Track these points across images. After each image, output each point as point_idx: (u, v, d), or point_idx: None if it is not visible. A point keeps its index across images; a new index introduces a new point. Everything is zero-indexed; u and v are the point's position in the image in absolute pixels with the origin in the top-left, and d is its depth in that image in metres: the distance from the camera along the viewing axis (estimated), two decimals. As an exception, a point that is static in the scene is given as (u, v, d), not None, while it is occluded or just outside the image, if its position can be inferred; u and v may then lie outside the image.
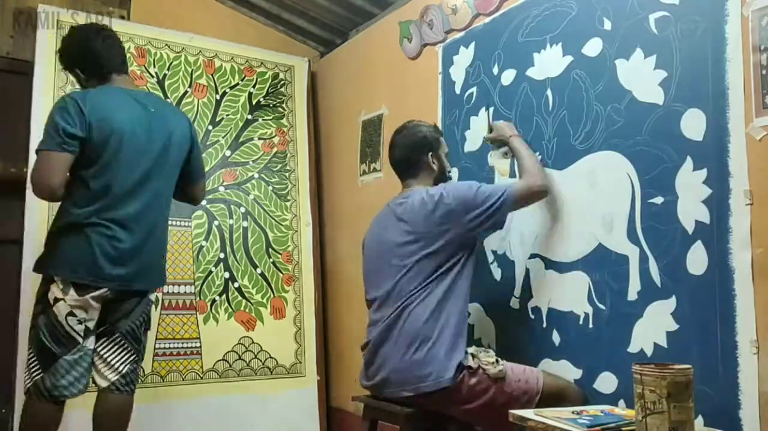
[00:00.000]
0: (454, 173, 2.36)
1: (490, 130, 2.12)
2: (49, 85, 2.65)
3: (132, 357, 2.02)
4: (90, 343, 1.96)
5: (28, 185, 2.49)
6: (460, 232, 1.84)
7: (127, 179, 1.96)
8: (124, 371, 2.00)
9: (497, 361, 1.79)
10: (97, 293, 1.91)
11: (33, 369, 1.90)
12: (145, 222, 2.00)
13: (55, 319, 1.88)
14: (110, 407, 1.99)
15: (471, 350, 1.83)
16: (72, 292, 1.88)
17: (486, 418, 1.80)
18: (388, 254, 1.92)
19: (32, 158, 2.52)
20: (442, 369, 1.74)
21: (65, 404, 1.94)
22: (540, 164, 1.96)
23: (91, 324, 1.94)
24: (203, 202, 2.86)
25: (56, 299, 1.89)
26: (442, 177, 2.07)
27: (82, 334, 1.91)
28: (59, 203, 1.98)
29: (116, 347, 2.00)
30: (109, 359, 1.99)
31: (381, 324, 1.87)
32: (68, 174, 1.92)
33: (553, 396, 1.76)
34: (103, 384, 2.00)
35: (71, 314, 1.89)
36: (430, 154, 2.03)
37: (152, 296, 2.12)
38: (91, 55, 2.06)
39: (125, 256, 1.94)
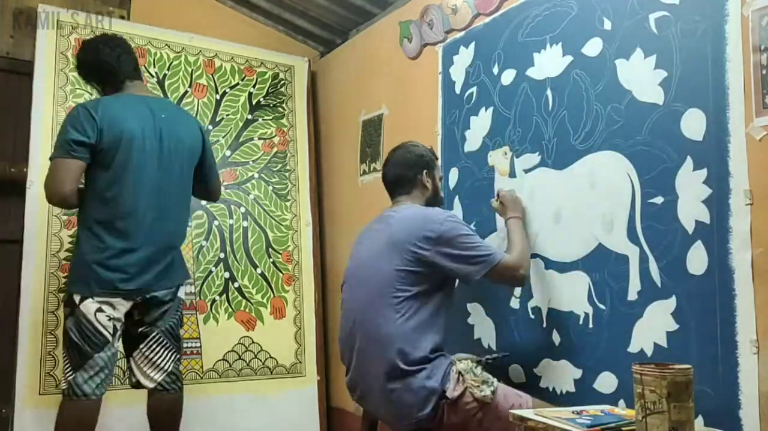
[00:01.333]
0: (454, 173, 2.36)
1: (497, 197, 2.07)
2: (49, 85, 2.65)
3: (175, 355, 2.08)
4: (118, 344, 2.01)
5: (28, 185, 2.51)
6: (438, 267, 1.79)
7: (138, 184, 2.00)
8: (169, 369, 2.06)
9: (487, 382, 1.73)
10: (123, 299, 1.97)
11: (66, 370, 1.95)
12: (160, 227, 2.03)
13: (84, 317, 1.93)
14: (165, 406, 2.05)
15: (461, 366, 1.76)
16: (98, 296, 1.94)
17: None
18: (369, 269, 1.87)
19: (32, 158, 2.55)
20: (420, 403, 1.70)
21: (100, 404, 1.97)
22: (529, 254, 1.92)
23: (118, 324, 1.98)
24: (202, 201, 2.87)
25: (83, 298, 1.94)
26: (435, 198, 2.04)
27: (111, 331, 1.95)
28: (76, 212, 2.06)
29: (159, 346, 2.04)
30: (153, 358, 2.04)
31: (356, 342, 1.85)
32: (82, 183, 1.98)
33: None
34: (150, 385, 2.04)
35: (100, 310, 1.94)
36: (425, 172, 2.01)
37: (182, 294, 2.15)
38: (104, 68, 2.11)
39: (140, 267, 1.98)
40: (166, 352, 2.06)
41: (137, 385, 2.08)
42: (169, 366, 2.06)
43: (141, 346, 2.04)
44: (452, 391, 1.70)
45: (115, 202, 1.97)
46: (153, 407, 2.06)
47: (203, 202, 2.87)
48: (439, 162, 2.14)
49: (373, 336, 1.78)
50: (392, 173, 2.04)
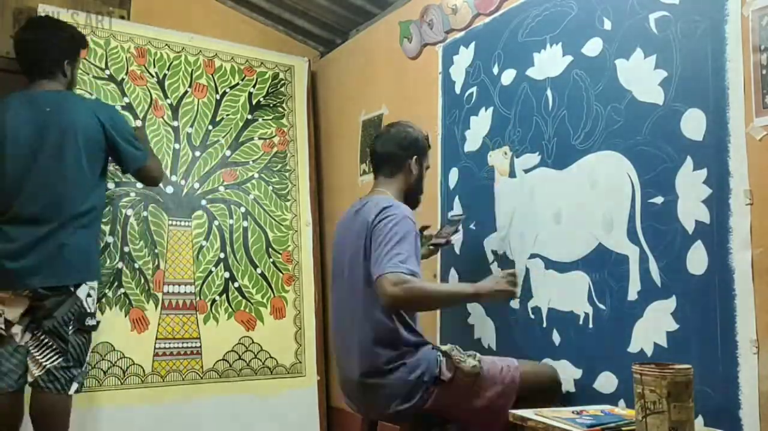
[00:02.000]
0: (454, 173, 2.36)
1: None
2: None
3: (57, 357, 2.00)
4: (18, 337, 2.00)
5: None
6: None
7: (16, 178, 2.01)
8: (47, 367, 1.99)
9: (471, 356, 1.77)
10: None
11: None
12: (43, 217, 2.00)
13: None
14: (36, 405, 2.01)
15: (445, 348, 1.78)
16: None
17: (478, 416, 1.79)
18: (343, 266, 1.88)
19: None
20: (403, 395, 1.72)
21: (20, 399, 1.99)
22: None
23: (11, 317, 1.98)
24: (203, 201, 2.87)
25: None
26: (416, 186, 1.99)
27: (2, 326, 1.97)
28: None
29: (40, 345, 2.01)
30: (35, 355, 2.01)
31: (340, 340, 1.87)
32: None
33: (531, 383, 1.78)
34: (29, 379, 2.02)
35: None
36: (415, 158, 1.97)
37: (81, 294, 2.05)
38: (20, 54, 2.13)
39: (16, 253, 1.97)
40: (47, 351, 2.00)
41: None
42: (49, 364, 1.99)
43: (28, 343, 2.02)
44: (446, 373, 1.73)
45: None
46: (31, 405, 2.01)
47: (203, 201, 2.87)
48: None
49: (352, 334, 1.81)
50: (383, 149, 1.98)
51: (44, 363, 1.99)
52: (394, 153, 1.96)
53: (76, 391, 2.05)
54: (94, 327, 2.12)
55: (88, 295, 2.08)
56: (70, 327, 2.02)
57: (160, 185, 2.61)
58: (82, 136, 2.09)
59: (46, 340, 2.00)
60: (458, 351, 1.79)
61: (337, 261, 1.96)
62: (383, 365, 1.74)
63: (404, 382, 1.72)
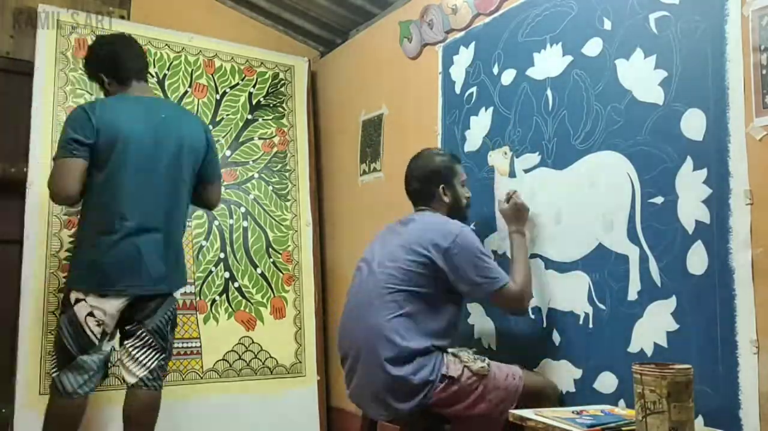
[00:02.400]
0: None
1: (508, 199, 2.02)
2: (49, 85, 2.65)
3: (159, 355, 2.07)
4: (107, 346, 2.04)
5: (28, 185, 2.51)
6: (440, 275, 1.82)
7: (135, 185, 2.01)
8: (151, 367, 2.05)
9: (480, 358, 1.80)
10: (116, 299, 1.98)
11: (53, 367, 2.00)
12: (157, 227, 2.03)
13: (75, 318, 1.96)
14: (139, 403, 2.04)
15: (453, 350, 1.83)
16: (92, 294, 1.96)
17: (478, 418, 1.79)
18: (375, 265, 1.90)
19: (32, 158, 2.55)
20: (403, 396, 1.74)
21: (87, 401, 2.00)
22: (531, 280, 1.90)
23: (108, 328, 2.01)
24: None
25: (77, 300, 1.97)
26: (456, 208, 2.03)
27: (98, 336, 1.98)
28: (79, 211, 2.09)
29: (143, 345, 2.04)
30: (137, 356, 2.04)
31: (352, 334, 1.89)
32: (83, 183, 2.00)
33: (532, 394, 1.79)
34: (132, 380, 2.04)
35: (91, 314, 1.97)
36: (441, 186, 2.00)
37: (177, 295, 2.16)
38: (116, 60, 2.13)
39: (136, 264, 1.99)
40: (150, 350, 2.05)
41: (123, 380, 2.09)
42: (152, 363, 2.05)
43: (126, 344, 2.05)
44: (454, 370, 1.76)
45: (111, 202, 1.99)
46: (129, 403, 2.04)
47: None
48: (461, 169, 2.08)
49: (363, 329, 1.82)
50: (411, 188, 2.05)
51: (147, 363, 2.04)
52: (420, 189, 2.03)
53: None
54: (177, 324, 2.23)
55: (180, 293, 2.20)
56: (169, 327, 2.10)
57: None
58: (192, 149, 2.13)
59: (150, 340, 2.04)
60: (467, 352, 1.82)
61: (369, 260, 1.96)
62: (394, 362, 1.74)
63: (412, 380, 1.73)
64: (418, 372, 1.73)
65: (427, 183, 2.01)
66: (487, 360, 1.80)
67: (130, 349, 2.04)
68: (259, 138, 3.09)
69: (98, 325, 1.97)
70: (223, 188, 2.92)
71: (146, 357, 2.04)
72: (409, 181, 2.06)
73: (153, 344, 2.05)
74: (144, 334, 2.04)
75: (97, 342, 1.98)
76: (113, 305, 1.98)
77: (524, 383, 1.79)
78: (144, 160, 2.02)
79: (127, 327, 2.05)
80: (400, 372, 1.73)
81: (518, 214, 1.98)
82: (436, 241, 1.82)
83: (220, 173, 2.32)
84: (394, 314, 1.77)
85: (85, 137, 1.96)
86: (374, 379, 1.78)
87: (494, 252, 2.17)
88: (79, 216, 2.08)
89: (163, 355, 2.08)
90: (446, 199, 2.01)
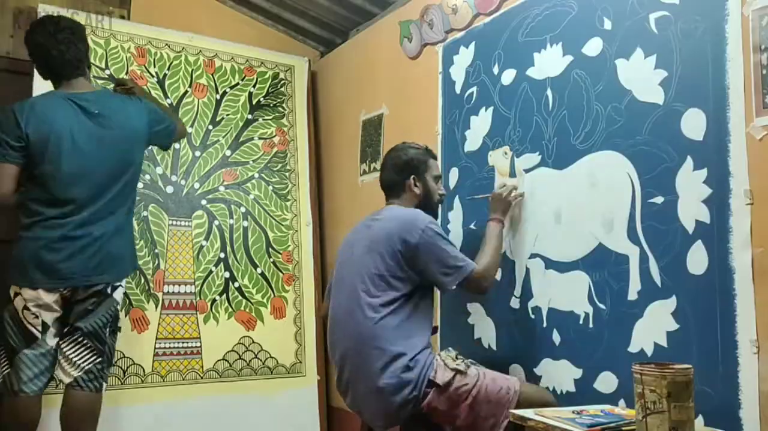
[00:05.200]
0: (454, 173, 2.36)
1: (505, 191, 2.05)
2: (50, 85, 2.64)
3: (95, 358, 2.04)
4: (51, 340, 2.02)
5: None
6: (414, 271, 1.85)
7: (68, 181, 2.01)
8: (86, 367, 2.03)
9: (464, 361, 1.82)
10: (48, 294, 1.99)
11: (3, 364, 2.02)
12: (92, 221, 2.03)
13: (15, 313, 1.99)
14: (74, 403, 2.03)
15: (441, 353, 1.86)
16: (26, 288, 1.98)
17: (467, 428, 1.80)
18: (349, 273, 1.92)
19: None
20: (395, 407, 1.75)
21: (38, 401, 2.01)
22: (497, 263, 1.96)
23: (48, 319, 2.01)
24: (203, 201, 2.88)
25: (15, 294, 2.00)
26: (427, 201, 2.04)
27: (39, 328, 1.99)
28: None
29: (78, 346, 2.03)
30: (72, 357, 2.03)
31: (340, 345, 1.91)
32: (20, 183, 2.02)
33: (528, 405, 1.76)
34: (66, 379, 2.04)
35: (26, 308, 1.99)
36: (412, 177, 2.02)
37: (117, 296, 2.11)
38: (42, 57, 2.10)
39: (67, 258, 1.99)
40: (85, 352, 2.03)
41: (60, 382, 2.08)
42: (87, 365, 2.03)
43: (62, 345, 2.04)
44: (442, 377, 1.76)
45: (42, 201, 2.00)
46: (65, 403, 2.03)
47: (203, 201, 2.87)
48: (438, 161, 2.12)
49: (352, 338, 1.84)
50: (383, 177, 2.09)
51: (82, 364, 2.03)
52: (392, 179, 2.06)
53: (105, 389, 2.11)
54: (120, 328, 2.21)
55: (121, 297, 2.16)
56: (108, 330, 2.08)
57: (159, 183, 2.71)
58: (127, 139, 2.13)
59: (85, 341, 2.03)
60: (448, 353, 1.85)
61: (341, 268, 2.00)
62: (379, 367, 1.76)
63: (399, 382, 1.74)
64: (408, 373, 1.74)
65: (398, 174, 2.03)
66: (469, 362, 1.83)
67: (65, 349, 2.03)
68: (259, 138, 3.09)
69: (36, 317, 1.98)
70: (223, 188, 2.93)
71: (80, 357, 2.03)
72: (381, 172, 2.10)
73: (88, 345, 2.04)
74: (79, 335, 2.03)
75: (39, 335, 1.99)
76: (48, 298, 1.98)
77: (522, 397, 1.77)
78: (77, 157, 2.02)
79: (66, 329, 2.05)
80: (392, 380, 1.74)
81: (504, 205, 2.01)
82: (403, 237, 1.84)
83: (170, 130, 2.32)
84: (375, 321, 1.79)
85: (15, 141, 1.98)
86: (370, 392, 1.78)
87: (494, 252, 2.17)
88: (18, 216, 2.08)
89: (100, 358, 2.05)
90: (416, 190, 2.02)
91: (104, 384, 2.09)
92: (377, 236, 1.89)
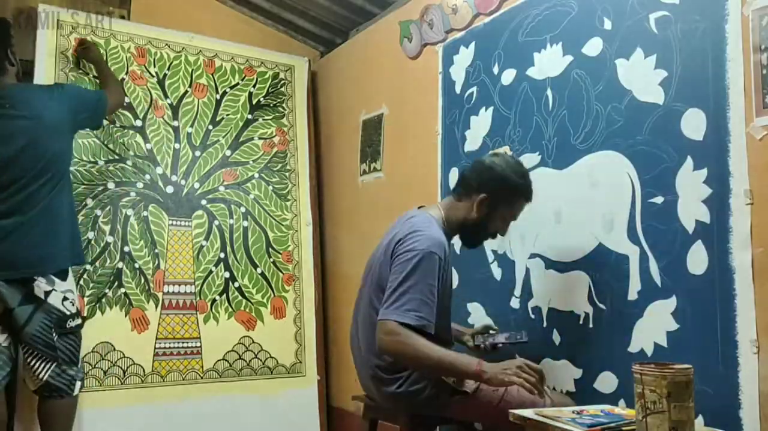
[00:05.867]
0: (454, 173, 2.35)
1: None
2: (46, 81, 2.65)
3: (48, 365, 2.03)
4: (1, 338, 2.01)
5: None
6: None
7: None
8: (45, 379, 2.03)
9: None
10: None
11: None
12: (8, 214, 2.00)
13: None
14: (46, 410, 2.05)
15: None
16: None
17: (482, 413, 1.78)
18: (369, 273, 1.86)
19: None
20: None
21: (1, 400, 2.03)
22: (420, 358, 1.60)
23: None
24: (203, 201, 2.87)
25: None
26: (476, 228, 1.79)
27: None
28: None
29: (30, 356, 2.04)
30: (31, 364, 2.04)
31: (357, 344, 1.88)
32: None
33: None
34: (32, 387, 2.06)
35: None
36: (484, 195, 1.74)
37: (53, 301, 2.06)
38: None
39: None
40: (38, 361, 2.03)
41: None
42: (45, 375, 2.03)
43: (23, 353, 2.04)
44: (468, 384, 1.70)
45: None
46: (38, 410, 2.05)
47: (203, 201, 2.87)
48: (520, 203, 1.81)
49: (363, 340, 1.81)
50: (465, 172, 1.83)
51: (40, 375, 2.03)
52: (468, 178, 1.79)
53: (80, 389, 2.09)
54: (80, 326, 2.15)
55: (65, 298, 2.09)
56: (55, 334, 2.05)
57: (159, 183, 2.71)
58: (46, 127, 2.10)
59: (33, 351, 2.03)
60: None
61: (367, 268, 1.91)
62: (385, 373, 1.74)
63: (406, 393, 1.71)
64: (399, 386, 1.72)
65: (476, 179, 1.76)
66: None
67: (24, 355, 2.04)
68: (259, 138, 3.09)
69: None
70: (223, 188, 2.93)
71: (37, 367, 2.03)
72: (471, 165, 1.85)
73: (38, 354, 2.03)
74: (26, 346, 2.03)
75: None
76: None
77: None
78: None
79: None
80: (387, 386, 1.73)
81: (503, 374, 1.57)
82: (393, 247, 1.71)
83: (98, 114, 2.37)
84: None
85: None
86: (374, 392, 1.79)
87: (494, 252, 2.17)
88: None
89: (54, 364, 2.04)
90: (478, 211, 1.76)
91: (75, 386, 2.08)
92: (388, 249, 1.79)
